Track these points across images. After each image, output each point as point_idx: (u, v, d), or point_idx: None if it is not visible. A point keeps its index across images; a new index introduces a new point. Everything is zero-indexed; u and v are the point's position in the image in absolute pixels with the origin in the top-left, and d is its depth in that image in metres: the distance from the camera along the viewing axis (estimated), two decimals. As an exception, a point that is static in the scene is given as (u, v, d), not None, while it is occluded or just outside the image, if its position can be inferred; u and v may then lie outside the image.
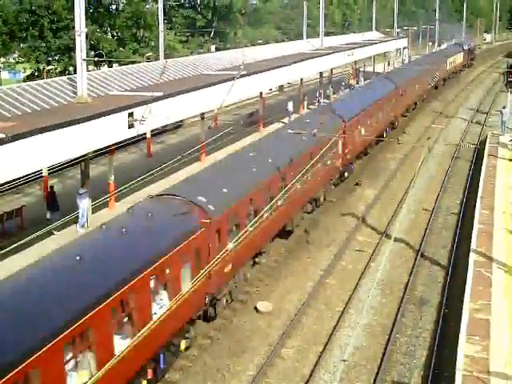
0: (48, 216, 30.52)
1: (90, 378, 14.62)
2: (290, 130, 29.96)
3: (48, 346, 13.23)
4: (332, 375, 19.76)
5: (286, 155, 28.59)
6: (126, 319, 16.56)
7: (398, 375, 19.94)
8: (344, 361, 20.47)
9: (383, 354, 20.89)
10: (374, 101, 46.29)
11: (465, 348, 18.66)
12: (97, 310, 14.85)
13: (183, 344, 19.96)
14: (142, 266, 16.92)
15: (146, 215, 19.31)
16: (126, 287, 16.01)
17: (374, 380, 19.53)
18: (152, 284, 17.50)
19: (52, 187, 32.44)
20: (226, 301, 23.25)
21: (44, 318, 13.77)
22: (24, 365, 12.61)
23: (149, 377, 17.65)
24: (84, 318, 14.39)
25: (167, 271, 18.17)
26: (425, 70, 68.48)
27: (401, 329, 22.70)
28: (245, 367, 20.35)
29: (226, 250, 20.87)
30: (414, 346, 21.61)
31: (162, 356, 18.44)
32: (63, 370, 13.92)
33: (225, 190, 22.98)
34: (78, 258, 15.81)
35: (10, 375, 12.23)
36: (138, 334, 16.35)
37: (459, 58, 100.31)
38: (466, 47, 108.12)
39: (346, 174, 39.20)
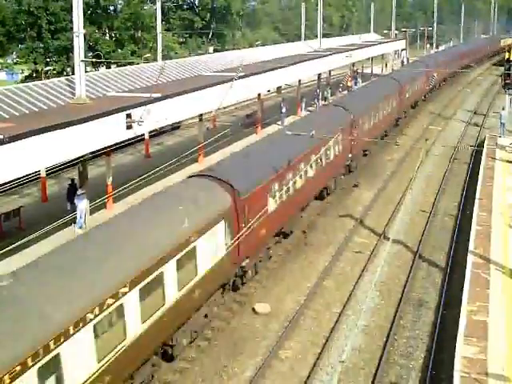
0: (68, 207, 31.01)
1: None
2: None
3: None
4: (330, 377, 19.77)
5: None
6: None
7: (396, 377, 19.94)
8: (342, 362, 20.48)
9: (381, 356, 20.90)
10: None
11: (463, 350, 18.64)
12: None
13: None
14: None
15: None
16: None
17: (372, 382, 19.54)
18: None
19: (73, 180, 33.07)
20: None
21: None
22: None
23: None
24: None
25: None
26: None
27: (399, 330, 22.71)
28: (243, 369, 20.35)
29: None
30: (411, 348, 21.62)
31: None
32: None
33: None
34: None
35: None
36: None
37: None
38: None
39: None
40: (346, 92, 72.31)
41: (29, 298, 14.29)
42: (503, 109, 52.54)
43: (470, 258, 25.56)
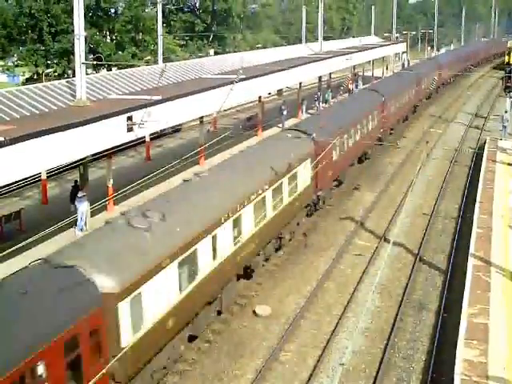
0: (72, 209, 31.23)
1: None
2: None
3: None
4: (330, 379, 19.75)
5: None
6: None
7: (397, 379, 19.93)
8: (342, 365, 20.46)
9: (382, 358, 20.89)
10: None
11: (463, 352, 18.65)
12: None
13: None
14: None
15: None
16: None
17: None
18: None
19: (76, 181, 33.38)
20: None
21: None
22: None
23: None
24: None
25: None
26: None
27: (399, 333, 22.70)
28: (243, 371, 20.34)
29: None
30: (412, 350, 21.61)
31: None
32: None
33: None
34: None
35: None
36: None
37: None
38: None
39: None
40: (346, 95, 72.50)
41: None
42: (506, 112, 52.56)
43: (471, 261, 25.58)
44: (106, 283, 15.43)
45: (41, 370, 13.01)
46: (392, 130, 53.87)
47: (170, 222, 19.05)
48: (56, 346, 13.38)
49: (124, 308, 15.71)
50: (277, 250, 28.88)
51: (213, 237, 20.82)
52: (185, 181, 23.36)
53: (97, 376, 12.79)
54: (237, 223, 22.93)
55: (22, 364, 12.46)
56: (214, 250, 21.03)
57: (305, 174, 30.50)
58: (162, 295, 17.55)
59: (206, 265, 20.36)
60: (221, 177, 24.35)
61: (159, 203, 20.79)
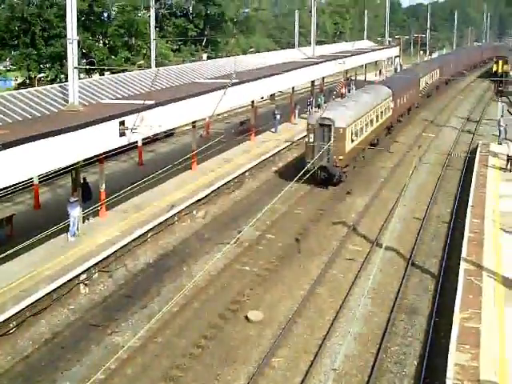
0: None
1: None
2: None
3: None
4: (323, 384, 19.77)
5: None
6: None
7: (389, 384, 19.97)
8: (334, 370, 20.49)
9: (374, 363, 20.92)
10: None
11: (455, 357, 18.71)
12: None
13: None
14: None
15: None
16: None
17: (365, 389, 19.58)
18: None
19: (85, 178, 33.62)
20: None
21: None
22: None
23: None
24: None
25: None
26: None
27: (391, 338, 22.73)
28: (235, 376, 20.34)
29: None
30: (404, 355, 21.64)
31: None
32: None
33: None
34: None
35: None
36: None
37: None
38: None
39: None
40: (339, 99, 72.73)
41: None
42: (502, 116, 52.64)
43: (463, 265, 25.67)
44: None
45: None
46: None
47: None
48: None
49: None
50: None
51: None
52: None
53: None
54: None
55: None
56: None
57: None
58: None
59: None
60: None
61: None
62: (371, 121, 46.67)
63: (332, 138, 39.45)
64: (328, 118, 39.84)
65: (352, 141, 41.39)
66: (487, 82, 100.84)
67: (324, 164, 39.28)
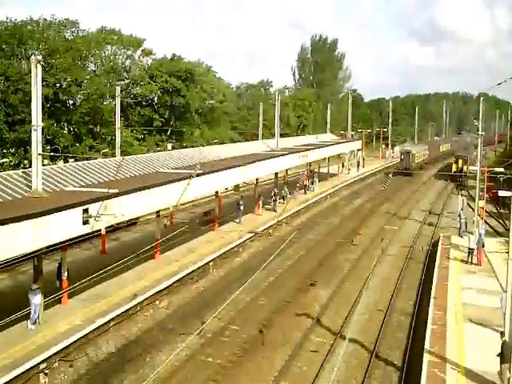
0: (57, 284, 32.15)
1: None
2: None
3: None
4: None
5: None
6: None
7: None
8: None
9: None
10: None
11: None
12: None
13: None
14: None
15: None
16: None
17: None
18: None
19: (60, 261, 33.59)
20: None
21: None
22: None
23: None
24: None
25: None
26: None
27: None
28: None
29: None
30: None
31: None
32: None
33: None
34: None
35: None
36: None
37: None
38: None
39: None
40: (302, 191, 73.68)
41: None
42: (462, 209, 53.72)
43: (426, 357, 25.60)
44: None
45: None
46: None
47: None
48: None
49: None
50: None
51: None
52: None
53: None
54: None
55: None
56: None
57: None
58: None
59: None
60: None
61: None
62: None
63: None
64: None
65: None
66: (446, 181, 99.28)
67: None
